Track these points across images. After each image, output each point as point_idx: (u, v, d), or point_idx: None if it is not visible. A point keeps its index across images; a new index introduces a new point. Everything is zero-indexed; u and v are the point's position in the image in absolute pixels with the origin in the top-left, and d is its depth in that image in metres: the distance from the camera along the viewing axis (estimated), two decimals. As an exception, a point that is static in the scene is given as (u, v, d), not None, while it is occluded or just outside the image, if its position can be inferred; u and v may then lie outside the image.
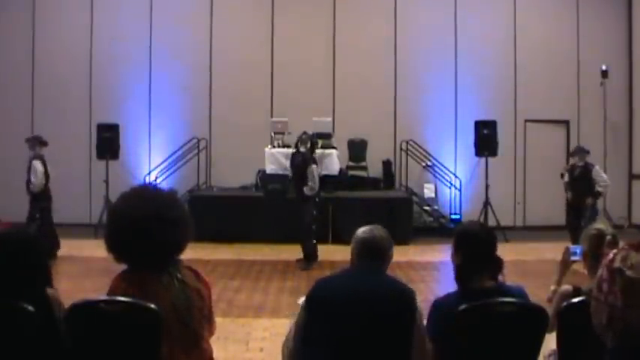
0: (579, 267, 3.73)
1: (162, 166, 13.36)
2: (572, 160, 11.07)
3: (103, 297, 2.94)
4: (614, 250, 1.92)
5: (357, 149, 13.47)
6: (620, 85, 13.89)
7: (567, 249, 3.77)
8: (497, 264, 3.16)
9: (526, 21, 13.95)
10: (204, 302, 3.01)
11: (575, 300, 3.20)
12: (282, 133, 12.43)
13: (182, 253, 3.05)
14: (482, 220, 11.71)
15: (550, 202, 13.76)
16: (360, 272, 3.22)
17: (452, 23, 13.99)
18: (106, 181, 12.14)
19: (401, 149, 13.61)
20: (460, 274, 3.16)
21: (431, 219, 13.16)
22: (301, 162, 9.46)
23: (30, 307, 2.80)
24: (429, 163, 13.68)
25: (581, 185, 10.40)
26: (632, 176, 13.87)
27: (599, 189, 10.31)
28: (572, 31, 14.05)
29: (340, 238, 10.47)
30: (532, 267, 9.15)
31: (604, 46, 13.89)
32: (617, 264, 1.85)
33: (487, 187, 12.42)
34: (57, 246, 9.54)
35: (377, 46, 13.93)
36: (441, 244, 10.95)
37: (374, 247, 3.24)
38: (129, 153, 13.25)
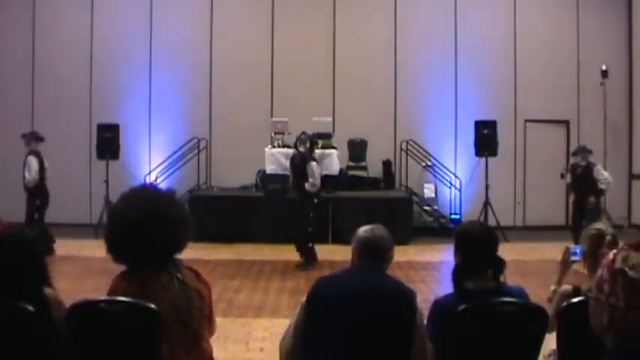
0: (579, 267, 3.73)
1: (162, 166, 13.36)
2: (573, 160, 11.06)
3: (104, 297, 2.94)
4: (614, 251, 1.91)
5: (357, 149, 13.48)
6: (620, 85, 13.89)
7: (567, 249, 3.77)
8: (499, 264, 3.15)
9: (526, 21, 13.95)
10: (204, 302, 3.01)
11: (575, 300, 3.20)
12: (282, 133, 12.43)
13: (182, 252, 3.05)
14: (482, 220, 11.70)
15: (550, 202, 13.78)
16: (360, 272, 3.22)
17: (452, 23, 13.99)
18: (106, 181, 12.13)
19: (401, 149, 13.61)
20: (457, 275, 3.16)
21: (431, 219, 13.17)
22: (300, 161, 9.43)
23: (28, 307, 2.80)
24: (429, 163, 13.68)
25: (583, 185, 10.41)
26: (632, 176, 13.87)
27: (602, 186, 10.32)
28: (572, 31, 14.05)
29: (340, 238, 10.48)
30: (532, 267, 9.15)
31: (604, 46, 13.90)
32: (618, 265, 1.84)
33: (487, 187, 12.43)
34: (51, 250, 9.41)
35: (377, 47, 13.93)
36: (441, 244, 10.96)
37: (375, 246, 3.24)
38: (129, 153, 13.25)
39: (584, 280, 3.50)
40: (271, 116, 13.45)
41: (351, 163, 13.38)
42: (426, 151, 13.63)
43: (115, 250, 2.98)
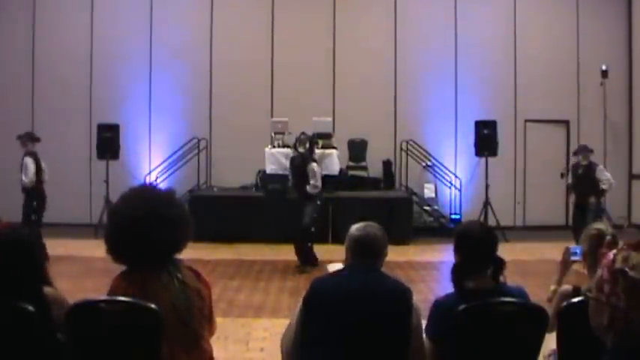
0: (579, 267, 3.73)
1: (162, 166, 13.36)
2: (574, 159, 11.03)
3: (104, 297, 2.94)
4: (614, 251, 1.90)
5: (357, 149, 13.48)
6: (620, 85, 13.89)
7: (567, 249, 3.77)
8: (499, 264, 3.15)
9: (526, 21, 13.95)
10: (204, 302, 3.01)
11: (575, 300, 3.20)
12: (283, 133, 12.43)
13: (182, 252, 3.05)
14: (482, 220, 11.70)
15: (550, 202, 13.78)
16: (356, 271, 3.22)
17: (452, 23, 13.99)
18: (107, 181, 12.14)
19: (401, 149, 13.61)
20: (456, 275, 3.16)
21: (431, 219, 13.17)
22: (300, 162, 9.34)
23: (28, 307, 2.80)
24: (429, 163, 13.68)
25: (584, 184, 10.38)
26: (632, 176, 13.87)
27: (604, 187, 10.29)
28: (572, 31, 14.05)
29: (340, 238, 10.36)
30: (532, 267, 9.14)
31: (604, 46, 13.90)
32: (618, 265, 1.84)
33: (487, 187, 12.43)
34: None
35: (377, 46, 13.93)
36: (441, 244, 10.96)
37: (368, 245, 3.24)
38: (129, 153, 13.26)
39: (584, 280, 3.50)
40: (271, 116, 13.45)
41: (351, 163, 13.38)
42: (426, 151, 13.63)
43: (115, 250, 2.98)
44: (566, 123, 14.15)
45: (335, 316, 3.02)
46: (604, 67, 13.44)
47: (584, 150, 10.65)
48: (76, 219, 12.86)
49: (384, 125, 13.84)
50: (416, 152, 13.61)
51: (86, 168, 13.49)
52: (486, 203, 12.43)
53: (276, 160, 12.02)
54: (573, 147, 12.91)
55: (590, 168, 10.44)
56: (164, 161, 13.42)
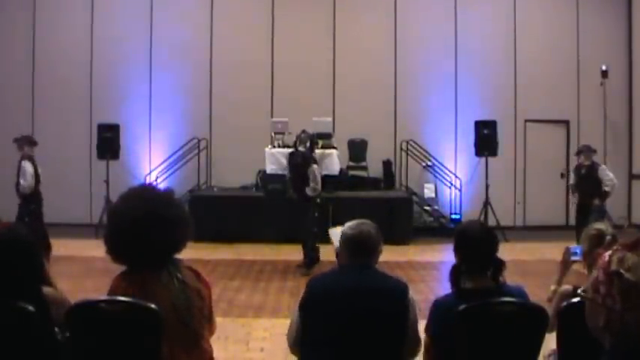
0: (579, 267, 3.73)
1: (162, 166, 13.36)
2: (577, 160, 11.00)
3: (104, 297, 2.95)
4: (609, 252, 1.89)
5: (357, 149, 13.48)
6: (620, 85, 13.89)
7: (567, 249, 3.77)
8: (498, 265, 3.14)
9: (526, 20, 13.95)
10: (204, 302, 3.01)
11: (575, 300, 3.20)
12: (283, 133, 12.43)
13: (181, 252, 3.05)
14: (482, 220, 11.69)
15: (550, 202, 13.77)
16: (351, 269, 3.24)
17: (452, 23, 13.99)
18: (107, 181, 12.14)
19: (401, 149, 13.61)
20: (456, 275, 3.16)
21: (431, 219, 13.16)
22: (301, 162, 9.23)
23: (27, 306, 2.80)
24: (429, 163, 13.68)
25: (587, 185, 10.34)
26: (632, 176, 13.86)
27: (606, 188, 10.26)
28: (572, 31, 14.04)
29: (340, 238, 10.44)
30: (532, 267, 9.14)
31: (604, 46, 13.90)
32: (614, 267, 1.82)
33: (487, 187, 12.43)
34: (48, 247, 9.38)
35: (377, 46, 13.92)
36: (441, 244, 10.96)
37: (362, 243, 3.26)
38: (129, 153, 13.26)
39: (584, 280, 3.48)
40: (271, 116, 13.45)
41: (351, 163, 13.38)
42: (426, 151, 13.63)
43: (115, 250, 2.98)
44: (566, 123, 14.14)
45: (332, 314, 3.05)
46: (604, 67, 13.44)
47: (587, 150, 10.60)
48: (76, 219, 12.86)
49: (384, 125, 13.83)
50: (416, 152, 13.60)
51: (86, 168, 13.49)
52: (486, 203, 12.43)
53: (276, 160, 12.00)
54: (573, 147, 12.91)
55: (593, 168, 10.40)
56: (164, 161, 13.42)
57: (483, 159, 12.68)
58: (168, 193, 3.21)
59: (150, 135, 13.83)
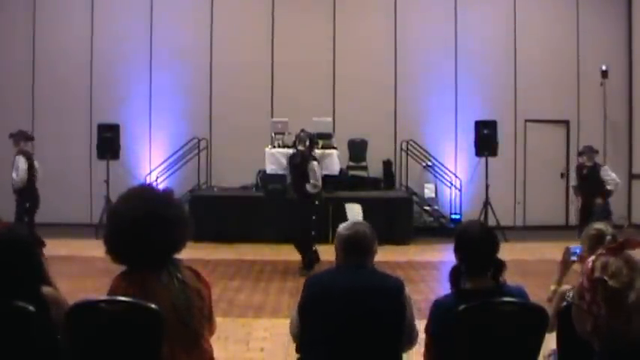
0: (579, 267, 3.72)
1: (162, 166, 13.36)
2: (579, 160, 10.99)
3: (104, 297, 2.95)
4: (592, 257, 1.83)
5: (357, 149, 13.48)
6: (620, 85, 13.89)
7: (567, 249, 3.78)
8: (499, 266, 3.14)
9: (526, 21, 13.95)
10: (204, 302, 3.01)
11: (575, 300, 3.20)
12: (283, 133, 12.43)
13: (181, 252, 3.05)
14: (482, 220, 11.69)
15: (550, 202, 13.77)
16: (347, 269, 3.27)
17: (452, 23, 13.99)
18: (107, 181, 12.14)
19: (401, 149, 13.61)
20: (455, 275, 3.16)
21: (431, 219, 13.17)
22: (300, 160, 9.16)
23: (27, 306, 2.80)
24: (429, 163, 13.68)
25: (589, 185, 10.33)
26: (632, 176, 13.87)
27: (609, 187, 10.25)
28: (572, 31, 14.05)
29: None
30: (532, 267, 9.13)
31: (604, 46, 13.90)
32: (597, 273, 1.77)
33: (487, 187, 12.42)
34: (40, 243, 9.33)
35: (377, 47, 13.93)
36: (441, 244, 10.96)
37: (358, 243, 3.29)
38: (129, 153, 13.26)
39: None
40: (271, 116, 13.45)
41: (351, 163, 13.38)
42: (426, 151, 13.63)
43: (115, 250, 2.98)
44: (566, 123, 14.15)
45: (330, 314, 3.07)
46: (604, 67, 13.44)
47: (589, 151, 10.59)
48: (76, 219, 12.87)
49: (384, 125, 13.83)
50: (416, 152, 13.61)
51: (86, 168, 13.49)
52: (486, 203, 12.42)
53: (276, 160, 12.00)
54: (573, 147, 12.92)
55: (595, 169, 10.40)
56: (164, 161, 13.42)
57: (483, 159, 12.67)
58: (167, 193, 3.20)
59: (150, 135, 13.84)
